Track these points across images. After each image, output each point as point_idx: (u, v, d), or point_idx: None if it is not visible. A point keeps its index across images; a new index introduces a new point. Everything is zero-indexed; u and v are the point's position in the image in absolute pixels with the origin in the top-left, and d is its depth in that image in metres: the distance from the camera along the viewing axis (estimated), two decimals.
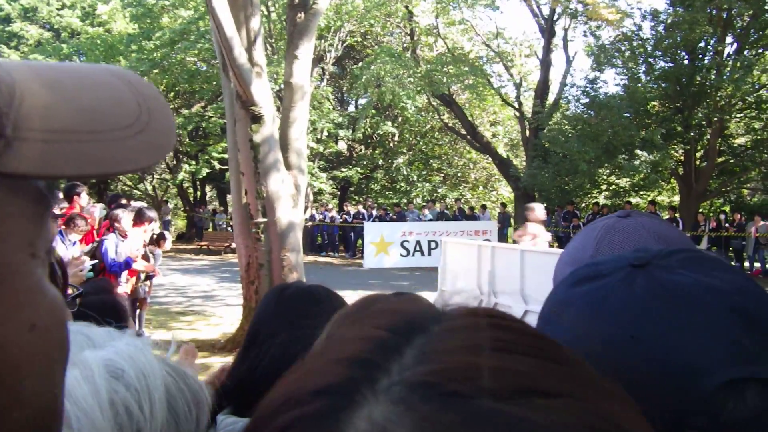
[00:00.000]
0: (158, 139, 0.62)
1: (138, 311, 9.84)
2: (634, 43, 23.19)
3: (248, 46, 9.07)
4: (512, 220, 25.81)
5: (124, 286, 8.79)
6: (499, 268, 9.29)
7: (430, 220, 23.27)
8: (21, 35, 33.90)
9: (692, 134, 22.06)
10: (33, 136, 0.53)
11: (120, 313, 1.86)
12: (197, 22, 25.28)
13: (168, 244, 10.75)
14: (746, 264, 20.35)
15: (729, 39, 22.07)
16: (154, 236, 10.30)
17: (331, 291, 1.68)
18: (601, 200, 26.65)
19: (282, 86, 12.20)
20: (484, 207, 26.00)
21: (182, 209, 36.24)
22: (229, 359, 8.94)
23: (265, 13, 24.12)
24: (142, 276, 9.37)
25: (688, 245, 1.15)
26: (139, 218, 9.15)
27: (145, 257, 9.47)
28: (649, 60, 23.20)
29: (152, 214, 9.52)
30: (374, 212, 25.48)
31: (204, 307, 13.76)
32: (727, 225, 20.64)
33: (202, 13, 24.19)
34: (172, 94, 30.79)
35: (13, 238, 0.55)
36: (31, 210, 0.57)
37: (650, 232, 1.13)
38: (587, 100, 24.64)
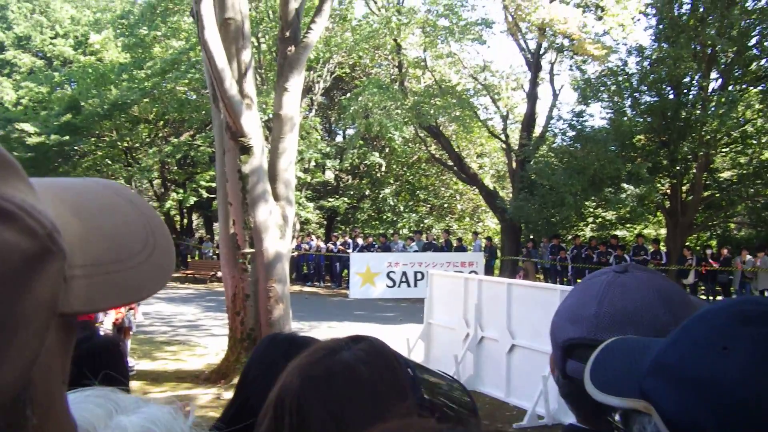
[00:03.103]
0: (164, 259, 0.64)
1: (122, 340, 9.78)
2: (620, 78, 23.45)
3: (239, 78, 9.14)
4: (498, 252, 25.88)
5: (110, 316, 8.74)
6: (485, 301, 9.31)
7: (416, 251, 23.29)
8: (14, 63, 33.99)
9: (678, 168, 22.26)
10: (77, 273, 0.56)
11: (110, 357, 1.86)
12: (188, 52, 25.44)
13: None
14: (734, 298, 20.38)
15: (713, 75, 22.36)
16: None
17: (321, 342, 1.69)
18: (588, 233, 26.77)
19: (271, 116, 12.26)
20: (476, 233, 26.09)
21: None
22: (213, 390, 8.82)
23: (255, 44, 24.28)
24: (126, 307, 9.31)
25: (686, 299, 1.17)
26: None
27: None
28: (635, 94, 23.44)
29: None
30: (360, 242, 25.49)
31: (189, 337, 13.67)
32: (711, 261, 20.74)
33: (193, 43, 24.34)
34: (161, 122, 30.85)
35: (56, 370, 0.58)
36: (66, 342, 0.60)
37: (649, 287, 1.15)
38: (573, 133, 24.81)
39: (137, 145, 31.47)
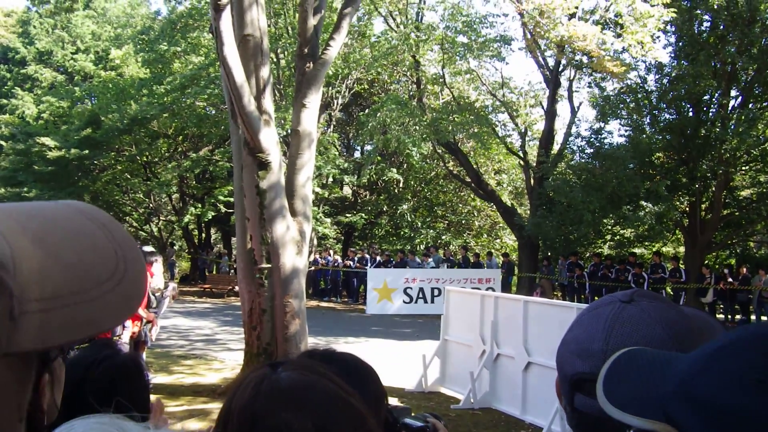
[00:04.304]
0: (133, 288, 0.61)
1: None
2: (639, 95, 23.37)
3: (257, 95, 9.19)
4: (515, 269, 25.74)
5: (128, 330, 8.78)
6: (501, 318, 9.27)
7: (433, 267, 23.22)
8: (36, 78, 34.48)
9: (697, 186, 22.08)
10: (32, 307, 0.53)
11: (131, 376, 1.88)
12: (208, 68, 25.64)
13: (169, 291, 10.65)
14: (752, 318, 20.19)
15: (733, 92, 22.24)
16: (167, 283, 10.31)
17: (358, 359, 1.67)
18: (606, 250, 26.58)
19: (289, 132, 12.33)
20: (490, 254, 25.89)
21: (187, 251, 36.27)
22: None
23: (274, 60, 24.44)
24: (144, 320, 9.35)
25: (693, 329, 1.16)
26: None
27: (147, 302, 9.46)
28: (654, 112, 23.37)
29: (152, 257, 9.48)
30: (378, 258, 25.47)
31: (206, 351, 13.70)
32: (730, 281, 20.46)
33: (212, 59, 24.54)
34: (180, 137, 31.10)
35: (7, 407, 0.56)
36: (22, 378, 0.58)
37: (656, 320, 1.13)
38: (592, 150, 24.75)
39: (156, 159, 31.73)
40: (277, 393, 1.07)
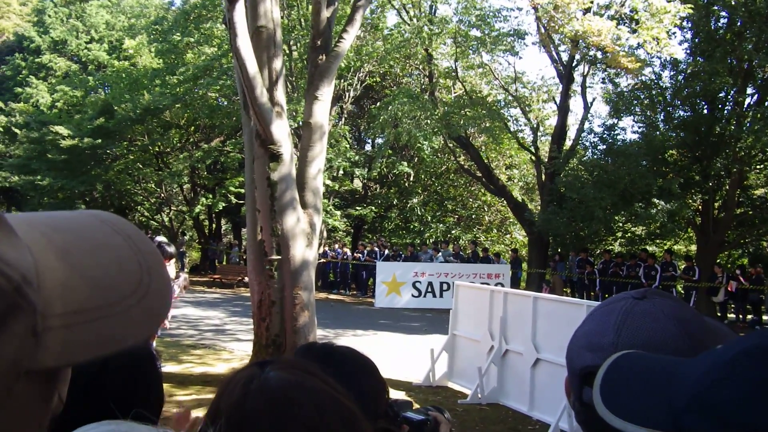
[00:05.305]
0: (157, 302, 0.60)
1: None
2: (653, 92, 23.20)
3: (270, 86, 9.17)
4: (524, 265, 25.65)
5: None
6: (511, 314, 9.24)
7: (442, 262, 23.19)
8: (50, 67, 34.64)
9: (710, 184, 21.91)
10: (55, 323, 0.52)
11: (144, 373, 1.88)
12: (220, 59, 25.67)
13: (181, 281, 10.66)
14: (765, 317, 20.07)
15: (749, 90, 22.04)
16: (178, 273, 10.32)
17: (357, 353, 1.65)
18: (617, 247, 26.45)
19: (301, 124, 12.32)
20: (498, 255, 25.69)
21: (197, 241, 36.40)
22: None
23: (287, 51, 24.43)
24: None
25: (706, 328, 1.14)
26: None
27: None
28: (668, 109, 23.19)
29: (171, 249, 9.47)
30: (386, 251, 25.48)
31: (215, 341, 13.74)
32: (743, 281, 20.30)
33: (225, 50, 24.56)
34: (192, 128, 31.17)
35: (30, 424, 0.55)
36: (44, 396, 0.57)
37: (669, 316, 1.12)
38: (604, 146, 24.61)
39: (168, 149, 31.83)
40: (267, 394, 1.05)
